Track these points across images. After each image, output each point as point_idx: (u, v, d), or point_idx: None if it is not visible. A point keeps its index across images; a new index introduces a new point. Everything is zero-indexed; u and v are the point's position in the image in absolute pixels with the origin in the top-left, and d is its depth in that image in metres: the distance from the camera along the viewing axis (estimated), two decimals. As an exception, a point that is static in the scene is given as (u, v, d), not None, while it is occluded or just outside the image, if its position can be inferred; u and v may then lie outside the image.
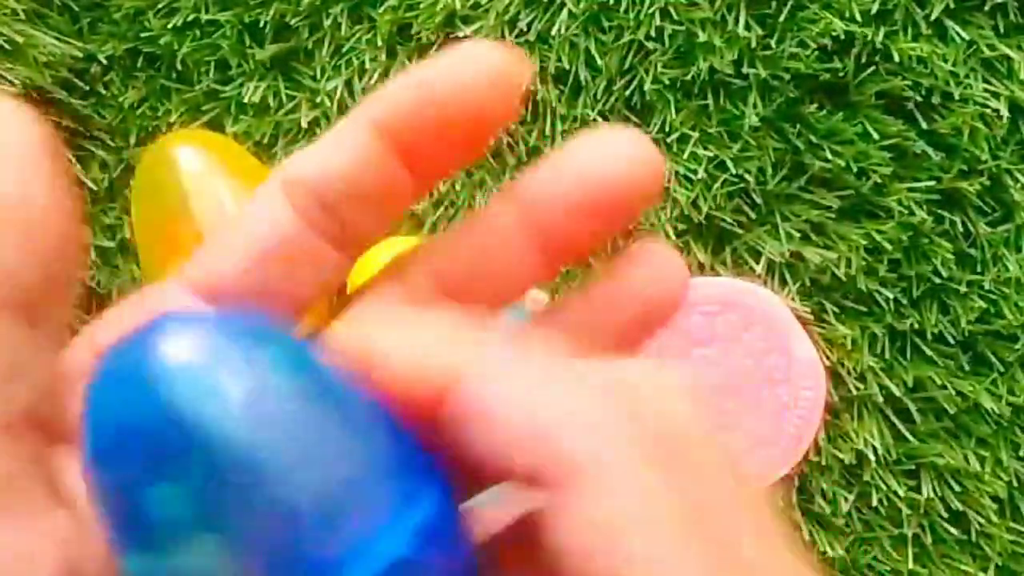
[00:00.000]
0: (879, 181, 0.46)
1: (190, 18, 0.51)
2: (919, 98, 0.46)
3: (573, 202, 0.18)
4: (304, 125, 0.51)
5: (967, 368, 0.47)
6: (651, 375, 0.16)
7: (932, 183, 0.46)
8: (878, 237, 0.46)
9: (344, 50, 0.51)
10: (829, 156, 0.46)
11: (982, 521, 0.47)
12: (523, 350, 0.16)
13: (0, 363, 0.15)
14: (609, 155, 0.17)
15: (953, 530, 0.47)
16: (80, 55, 0.53)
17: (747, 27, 0.46)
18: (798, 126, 0.47)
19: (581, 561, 0.14)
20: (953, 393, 0.47)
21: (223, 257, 0.17)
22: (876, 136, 0.46)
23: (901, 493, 0.47)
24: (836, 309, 0.47)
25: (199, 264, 0.17)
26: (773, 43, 0.46)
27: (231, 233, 0.17)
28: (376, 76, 0.50)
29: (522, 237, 0.18)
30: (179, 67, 0.52)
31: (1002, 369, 0.47)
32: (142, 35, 0.52)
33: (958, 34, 0.46)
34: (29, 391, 0.15)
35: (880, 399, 0.47)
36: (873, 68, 0.46)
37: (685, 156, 0.47)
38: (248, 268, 0.17)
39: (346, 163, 0.17)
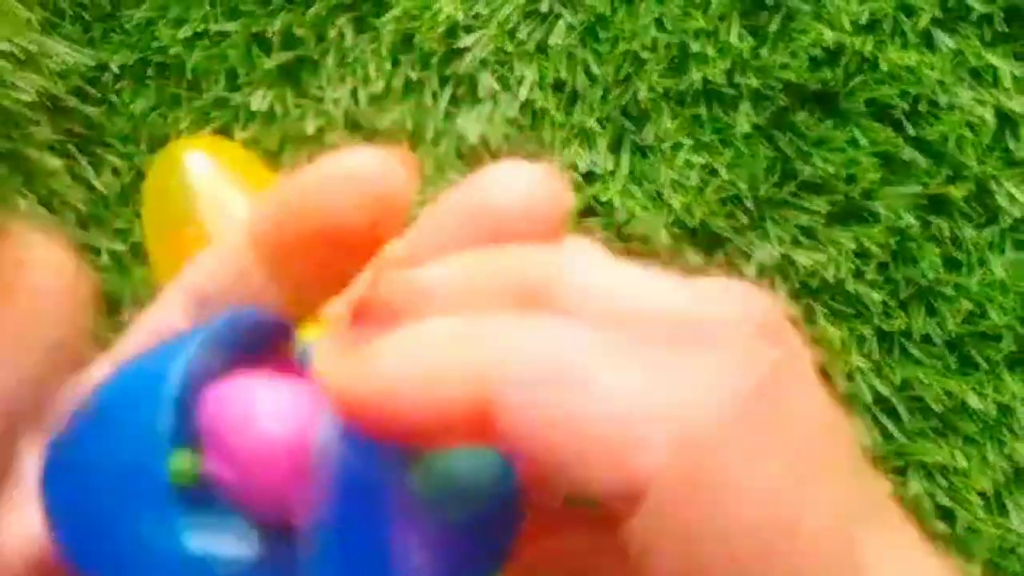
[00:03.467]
0: (868, 187, 0.47)
1: (199, 28, 0.52)
2: (907, 106, 0.47)
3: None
4: (310, 132, 0.51)
5: (954, 368, 0.48)
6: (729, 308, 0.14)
7: (920, 189, 0.47)
8: (867, 241, 0.47)
9: (349, 60, 0.51)
10: (819, 163, 0.47)
11: (969, 517, 0.47)
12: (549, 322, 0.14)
13: None
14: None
15: (941, 526, 0.48)
16: (92, 64, 0.54)
17: (740, 38, 0.47)
18: (789, 134, 0.47)
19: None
20: (940, 392, 0.47)
21: (126, 343, 0.18)
22: (865, 143, 0.47)
23: (890, 490, 0.47)
24: (825, 311, 0.48)
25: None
26: (765, 53, 0.47)
27: (137, 328, 0.18)
28: (380, 85, 0.51)
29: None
30: (189, 76, 0.53)
31: (988, 369, 0.48)
32: (152, 45, 0.53)
33: (945, 44, 0.47)
34: None
35: (869, 398, 0.48)
36: (862, 77, 0.47)
37: (679, 163, 0.48)
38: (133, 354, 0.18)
39: (220, 275, 0.17)
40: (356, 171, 0.15)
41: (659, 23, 0.47)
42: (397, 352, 0.14)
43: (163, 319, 0.18)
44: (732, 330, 0.14)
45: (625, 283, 0.15)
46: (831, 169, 0.47)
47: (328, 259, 0.16)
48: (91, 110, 0.54)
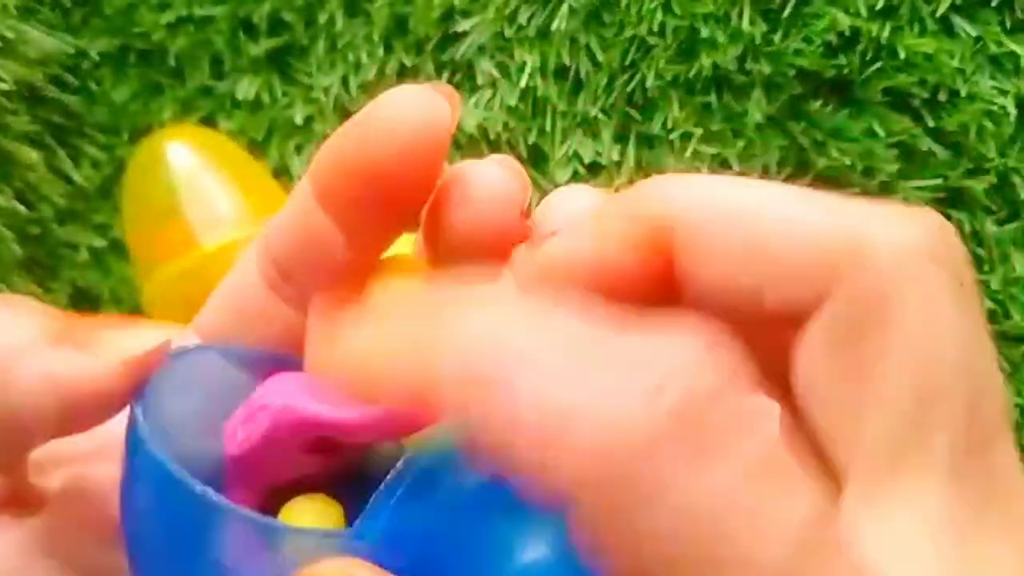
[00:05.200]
0: (885, 179, 0.46)
1: (183, 13, 0.51)
2: (925, 95, 0.46)
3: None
4: (299, 122, 0.50)
5: (974, 370, 0.47)
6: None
7: (939, 181, 0.46)
8: (884, 236, 0.46)
9: (340, 46, 0.50)
10: (834, 154, 0.46)
11: (989, 526, 0.46)
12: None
13: None
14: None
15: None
16: (71, 51, 0.53)
17: (751, 23, 0.46)
18: (803, 123, 0.46)
19: None
20: (960, 395, 0.46)
21: (205, 309, 0.19)
22: (882, 134, 0.46)
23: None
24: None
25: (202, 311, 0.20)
26: (777, 39, 0.46)
27: (218, 292, 0.20)
28: (372, 72, 0.50)
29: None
30: (172, 63, 0.52)
31: (1010, 370, 0.47)
32: (134, 30, 0.52)
33: (965, 30, 0.46)
34: None
35: (886, 401, 0.47)
36: (879, 65, 0.46)
37: (688, 154, 0.47)
38: (213, 321, 0.19)
39: (290, 231, 0.18)
40: (402, 110, 0.16)
41: (667, 7, 0.46)
42: None
43: (241, 282, 0.19)
44: None
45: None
46: (847, 160, 0.46)
47: (385, 200, 0.17)
48: (70, 99, 0.53)
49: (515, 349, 0.13)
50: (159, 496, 0.16)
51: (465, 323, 0.13)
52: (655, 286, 0.15)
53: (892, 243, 0.14)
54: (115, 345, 0.17)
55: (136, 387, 0.17)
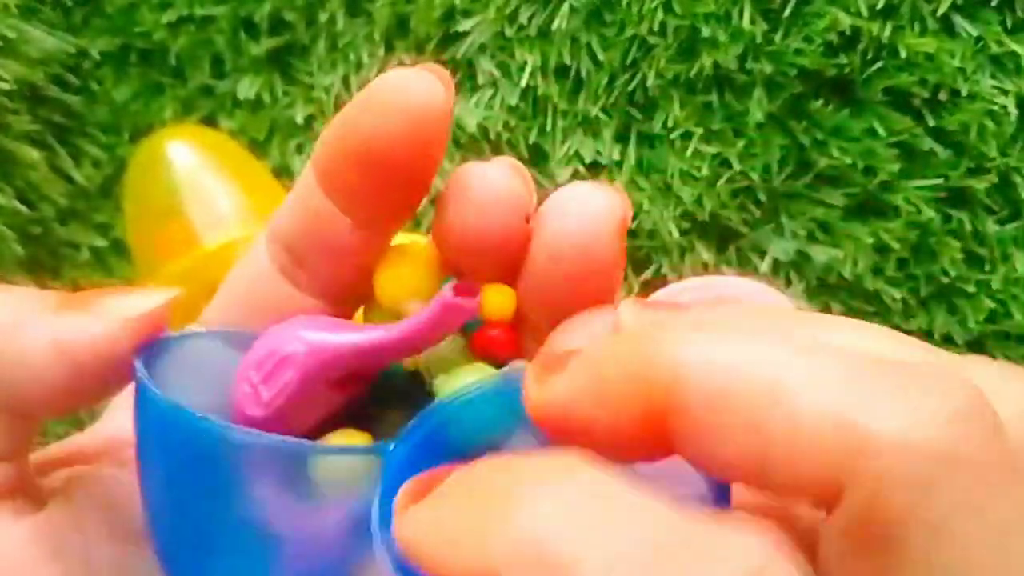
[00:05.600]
0: (886, 179, 0.46)
1: (184, 13, 0.51)
2: (926, 95, 0.45)
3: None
4: (300, 121, 0.50)
5: (975, 369, 0.47)
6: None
7: (940, 181, 0.46)
8: (885, 236, 0.46)
9: (341, 45, 0.50)
10: (835, 153, 0.45)
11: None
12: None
13: None
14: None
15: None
16: (72, 50, 0.53)
17: (752, 22, 0.45)
18: (804, 123, 0.46)
19: None
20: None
21: (212, 304, 0.20)
22: (883, 133, 0.45)
23: None
24: (843, 309, 0.47)
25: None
26: (778, 38, 0.46)
27: (226, 281, 0.20)
28: (373, 71, 0.50)
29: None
30: (173, 62, 0.52)
31: (1011, 370, 0.46)
32: (135, 30, 0.52)
33: (966, 30, 0.46)
34: None
35: (887, 401, 0.46)
36: (880, 64, 0.45)
37: (689, 153, 0.46)
38: (222, 314, 0.19)
39: (298, 216, 0.18)
40: (396, 92, 0.16)
41: (667, 6, 0.46)
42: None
43: (251, 272, 0.19)
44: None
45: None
46: (848, 160, 0.45)
47: (387, 183, 0.17)
48: (71, 98, 0.53)
49: (584, 541, 0.12)
50: (181, 445, 0.16)
51: (530, 509, 0.12)
52: (651, 443, 0.14)
53: (896, 443, 0.12)
54: (117, 307, 0.17)
55: (142, 345, 0.17)
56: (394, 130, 0.16)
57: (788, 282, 0.47)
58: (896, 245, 0.46)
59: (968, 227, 0.46)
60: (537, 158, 0.49)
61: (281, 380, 0.16)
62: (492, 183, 0.17)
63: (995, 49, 0.46)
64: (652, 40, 0.46)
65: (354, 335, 0.16)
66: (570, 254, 0.17)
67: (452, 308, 0.16)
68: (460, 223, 0.17)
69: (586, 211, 0.17)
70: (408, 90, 0.16)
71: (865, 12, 0.45)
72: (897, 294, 0.46)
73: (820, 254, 0.46)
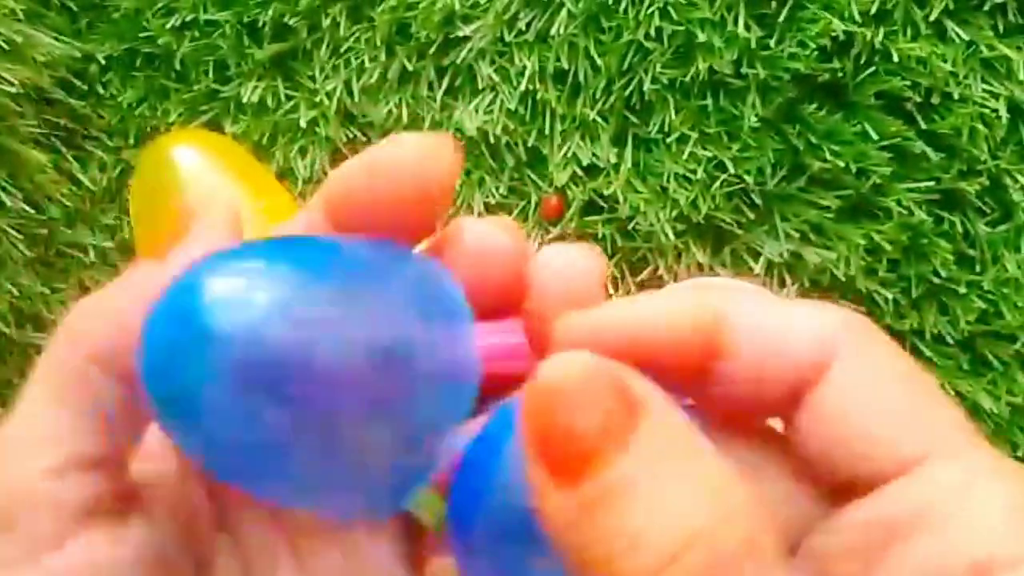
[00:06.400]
0: (878, 181, 0.46)
1: (189, 18, 0.51)
2: (918, 98, 0.46)
3: None
4: (303, 125, 0.50)
5: (966, 368, 0.47)
6: None
7: (931, 183, 0.46)
8: (877, 237, 0.46)
9: (343, 50, 0.50)
10: (828, 156, 0.46)
11: (981, 522, 0.47)
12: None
13: None
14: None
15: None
16: (79, 55, 0.53)
17: (746, 27, 0.46)
18: (797, 126, 0.46)
19: None
20: (952, 393, 0.47)
21: None
22: (875, 136, 0.46)
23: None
24: (835, 309, 0.47)
25: None
26: (772, 43, 0.46)
27: None
28: (375, 76, 0.50)
29: None
30: (178, 67, 0.52)
31: (1001, 369, 0.47)
32: (141, 35, 0.52)
33: (957, 34, 0.46)
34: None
35: (879, 399, 0.47)
36: (872, 68, 0.46)
37: (684, 156, 0.47)
38: None
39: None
40: (408, 157, 0.18)
41: (664, 12, 0.46)
42: None
43: None
44: None
45: None
46: (841, 163, 0.46)
47: (389, 231, 0.18)
48: (77, 102, 0.53)
49: None
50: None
51: None
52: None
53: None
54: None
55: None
56: (402, 191, 0.18)
57: (781, 283, 0.47)
58: (888, 246, 0.46)
59: (959, 229, 0.47)
60: (535, 161, 0.49)
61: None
62: (488, 243, 0.19)
63: (986, 53, 0.46)
64: (649, 45, 0.47)
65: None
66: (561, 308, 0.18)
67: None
68: (459, 275, 0.18)
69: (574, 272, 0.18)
70: (418, 154, 0.18)
71: (858, 17, 0.45)
72: (889, 295, 0.47)
73: (813, 255, 0.47)
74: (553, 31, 0.47)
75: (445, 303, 0.18)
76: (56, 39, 0.52)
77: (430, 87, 0.50)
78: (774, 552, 0.14)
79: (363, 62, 0.50)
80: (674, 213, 0.47)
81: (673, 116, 0.47)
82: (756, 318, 0.17)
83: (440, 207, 0.18)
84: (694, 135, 0.47)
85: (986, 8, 0.46)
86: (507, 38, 0.48)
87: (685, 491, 0.14)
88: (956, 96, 0.46)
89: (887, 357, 0.17)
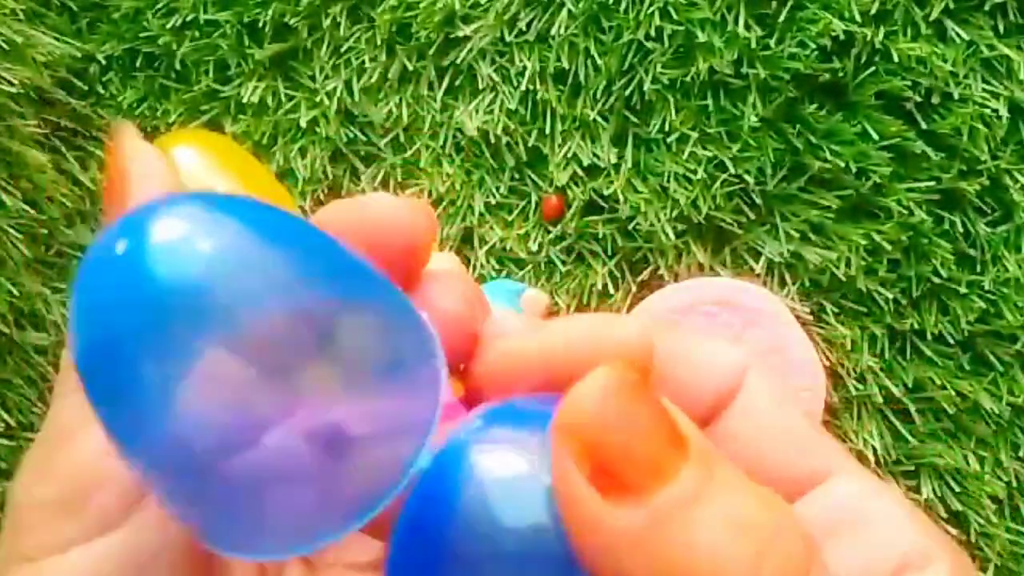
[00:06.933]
0: (879, 181, 0.46)
1: (189, 18, 0.51)
2: (918, 98, 0.46)
3: None
4: (303, 125, 0.50)
5: (967, 368, 0.47)
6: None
7: (932, 183, 0.46)
8: (878, 237, 0.46)
9: (343, 50, 0.50)
10: (829, 156, 0.46)
11: (981, 521, 0.47)
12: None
13: None
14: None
15: (953, 530, 0.47)
16: (79, 55, 0.53)
17: (747, 27, 0.46)
18: (798, 126, 0.46)
19: None
20: (952, 393, 0.47)
21: None
22: (875, 136, 0.46)
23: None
24: (836, 309, 0.47)
25: None
26: (772, 43, 0.46)
27: None
28: (375, 76, 0.50)
29: None
30: (178, 67, 0.52)
31: (1001, 369, 0.47)
32: (141, 35, 0.53)
33: (958, 34, 0.46)
34: None
35: (879, 399, 0.47)
36: (873, 68, 0.46)
37: (685, 156, 0.47)
38: None
39: None
40: (385, 218, 0.18)
41: (664, 12, 0.46)
42: None
43: None
44: None
45: None
46: (841, 163, 0.46)
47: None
48: (77, 102, 0.53)
49: None
50: None
51: None
52: None
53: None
54: None
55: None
56: (385, 246, 0.18)
57: (782, 283, 0.47)
58: (888, 246, 0.46)
59: (959, 228, 0.47)
60: (536, 161, 0.49)
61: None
62: (441, 312, 0.19)
63: (986, 53, 0.46)
64: (649, 45, 0.47)
65: None
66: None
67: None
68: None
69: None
70: (398, 216, 0.18)
71: (858, 17, 0.45)
72: (889, 294, 0.47)
73: (813, 255, 0.47)
74: (553, 31, 0.47)
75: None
76: (56, 39, 0.52)
77: (430, 87, 0.50)
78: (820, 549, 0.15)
79: (363, 62, 0.50)
80: (674, 213, 0.47)
81: (673, 116, 0.47)
82: (679, 347, 0.18)
83: (420, 262, 0.19)
84: (694, 135, 0.47)
85: (986, 8, 0.46)
86: (507, 38, 0.48)
87: (748, 496, 0.14)
88: (956, 96, 0.46)
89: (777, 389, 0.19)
